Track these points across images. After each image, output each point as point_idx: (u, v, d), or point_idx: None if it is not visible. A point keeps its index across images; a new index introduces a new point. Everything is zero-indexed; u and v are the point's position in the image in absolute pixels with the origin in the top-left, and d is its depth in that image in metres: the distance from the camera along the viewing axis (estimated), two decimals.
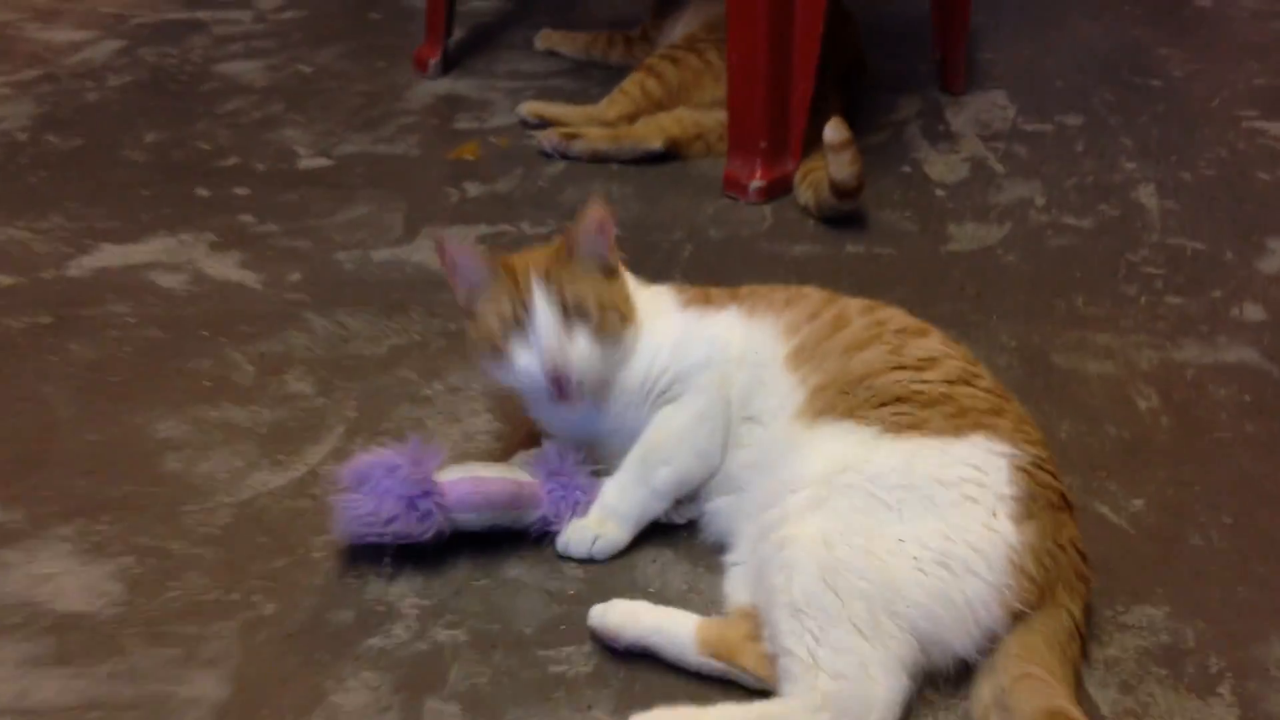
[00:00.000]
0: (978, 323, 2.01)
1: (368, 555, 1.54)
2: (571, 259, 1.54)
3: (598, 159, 2.65)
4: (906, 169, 2.59)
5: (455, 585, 1.51)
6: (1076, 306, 2.07)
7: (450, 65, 3.13)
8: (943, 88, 2.96)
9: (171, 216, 2.42)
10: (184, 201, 2.49)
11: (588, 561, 1.54)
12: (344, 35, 3.38)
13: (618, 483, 1.56)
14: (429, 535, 1.50)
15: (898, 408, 1.41)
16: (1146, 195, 2.44)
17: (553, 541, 1.55)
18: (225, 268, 2.24)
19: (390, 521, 1.48)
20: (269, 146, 2.74)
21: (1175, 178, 2.50)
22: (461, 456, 1.71)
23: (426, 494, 1.49)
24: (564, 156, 2.68)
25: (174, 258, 2.28)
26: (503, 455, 1.71)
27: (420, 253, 2.30)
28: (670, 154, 2.66)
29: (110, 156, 2.71)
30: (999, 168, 2.57)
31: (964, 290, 2.12)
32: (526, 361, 1.52)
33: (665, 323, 1.61)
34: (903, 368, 1.45)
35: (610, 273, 1.57)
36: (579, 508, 1.55)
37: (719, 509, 1.55)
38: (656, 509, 1.56)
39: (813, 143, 2.47)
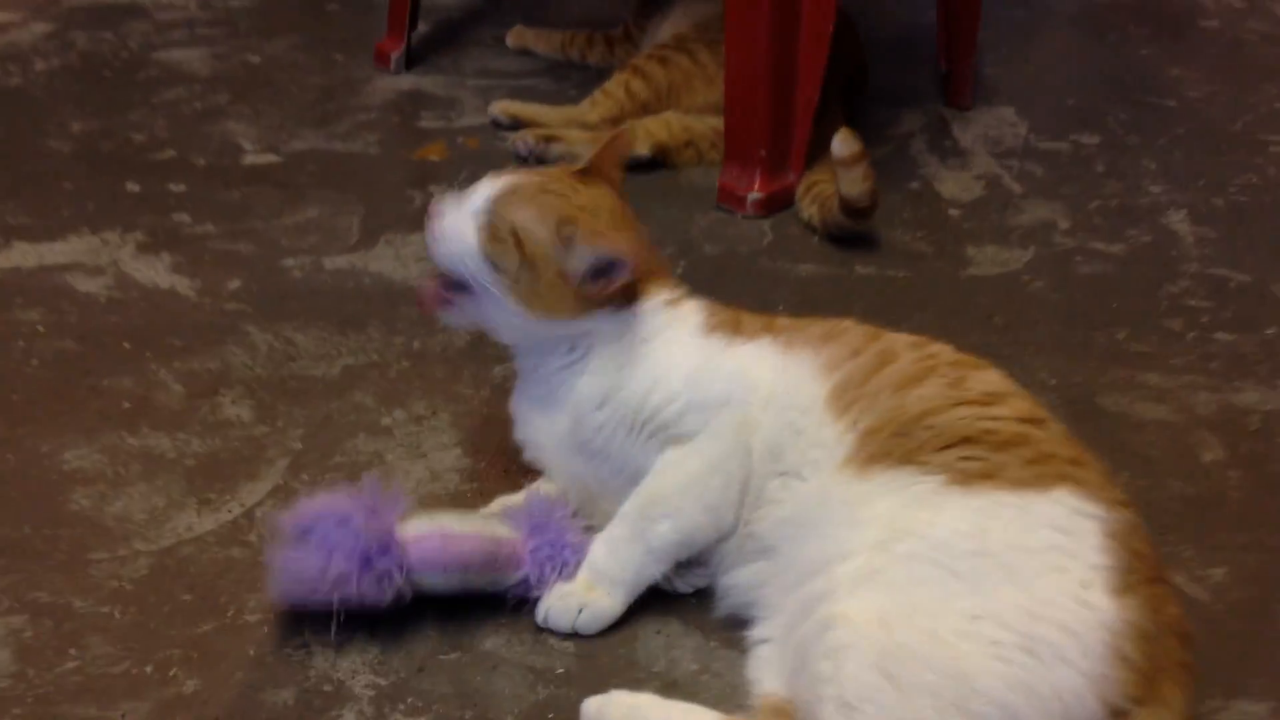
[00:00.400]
0: (1010, 357, 1.78)
1: (313, 620, 1.28)
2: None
3: None
4: (915, 185, 2.37)
5: (419, 659, 1.25)
6: (1118, 341, 1.86)
7: (414, 61, 2.86)
8: (948, 102, 2.74)
9: (95, 212, 2.15)
10: (111, 196, 2.22)
11: (574, 636, 1.28)
12: (298, 26, 3.10)
13: (609, 539, 1.31)
14: (387, 601, 1.24)
15: (965, 450, 1.18)
16: (1178, 221, 2.24)
17: (534, 608, 1.29)
18: (154, 272, 1.97)
19: (340, 583, 1.22)
20: (210, 139, 2.46)
21: (1207, 203, 2.30)
22: (427, 499, 1.46)
23: (385, 551, 1.23)
24: (540, 161, 2.42)
25: (96, 259, 2.00)
26: (476, 499, 1.46)
27: (380, 261, 2.04)
28: (657, 162, 2.42)
29: (30, 146, 2.42)
30: (1015, 187, 2.36)
31: (991, 320, 1.90)
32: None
33: (683, 345, 1.36)
34: (967, 403, 1.22)
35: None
36: (567, 570, 1.30)
37: (742, 576, 1.30)
38: (654, 572, 1.32)
39: (815, 154, 2.25)
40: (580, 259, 1.32)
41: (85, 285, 1.92)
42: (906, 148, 2.55)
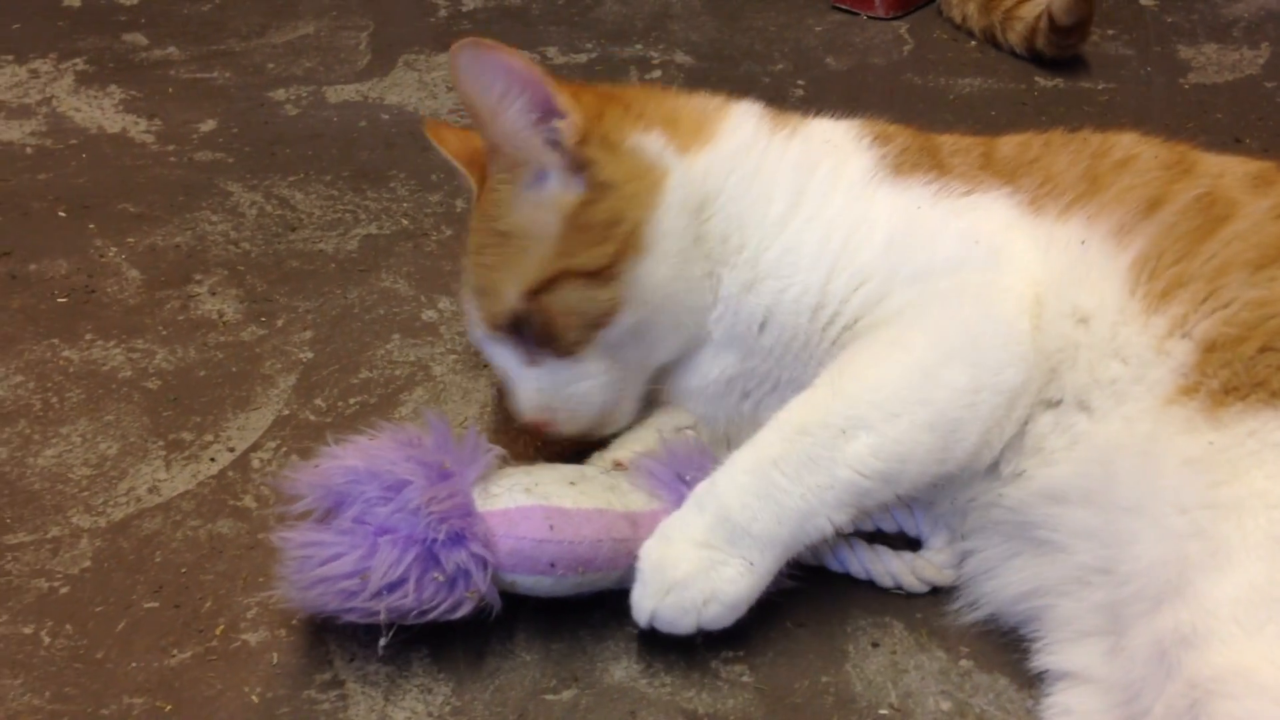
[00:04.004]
0: None
1: (348, 639, 0.84)
2: (495, 193, 0.90)
3: None
4: None
5: (514, 702, 0.82)
6: None
7: None
8: None
9: (22, 35, 1.69)
10: (42, 13, 1.76)
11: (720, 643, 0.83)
12: None
13: (755, 464, 0.82)
14: (461, 613, 0.79)
15: None
16: None
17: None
18: (99, 111, 1.49)
19: (390, 591, 0.78)
20: None
21: None
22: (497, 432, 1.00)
23: (459, 540, 0.78)
24: None
25: (21, 96, 1.53)
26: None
27: (400, 90, 1.55)
28: None
29: None
30: None
31: (1241, 144, 1.41)
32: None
33: (859, 198, 0.90)
34: None
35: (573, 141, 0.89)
36: None
37: (1006, 573, 0.84)
38: (823, 524, 0.81)
39: None
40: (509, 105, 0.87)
41: (5, 132, 1.46)
42: None
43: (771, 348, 0.89)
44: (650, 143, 0.89)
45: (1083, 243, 0.83)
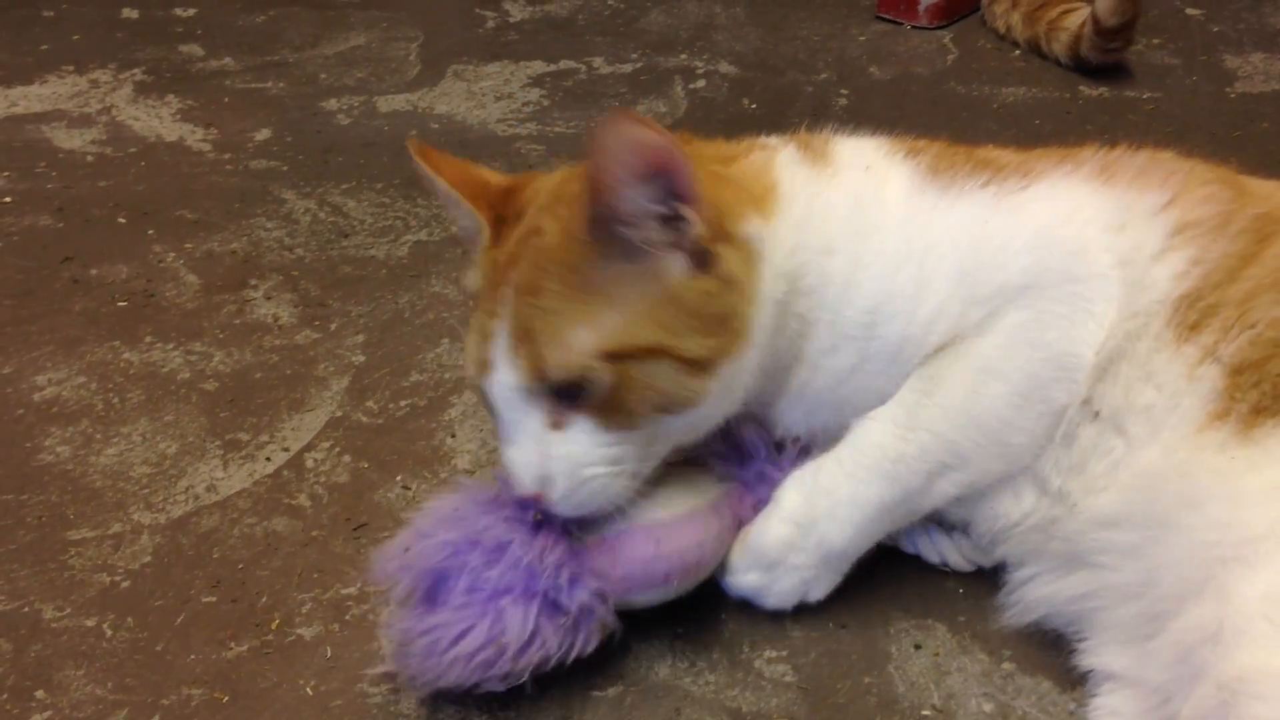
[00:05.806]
0: None
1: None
2: (581, 246, 0.78)
3: None
4: None
5: (561, 701, 0.82)
6: None
7: None
8: None
9: (82, 46, 1.74)
10: (102, 25, 1.81)
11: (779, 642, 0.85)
12: None
13: (853, 498, 0.84)
14: (591, 648, 0.81)
15: None
16: None
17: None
18: (158, 120, 1.52)
19: (526, 649, 0.78)
20: None
21: None
22: None
23: (576, 582, 0.79)
24: None
25: (82, 105, 1.56)
26: None
27: (449, 99, 1.57)
28: None
29: None
30: None
31: None
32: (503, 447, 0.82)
33: (911, 230, 0.86)
34: None
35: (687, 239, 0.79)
36: None
37: (1047, 585, 0.85)
38: (881, 535, 0.87)
39: None
40: (636, 185, 0.76)
41: (68, 140, 1.48)
42: None
43: (849, 396, 0.87)
44: (753, 229, 0.82)
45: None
